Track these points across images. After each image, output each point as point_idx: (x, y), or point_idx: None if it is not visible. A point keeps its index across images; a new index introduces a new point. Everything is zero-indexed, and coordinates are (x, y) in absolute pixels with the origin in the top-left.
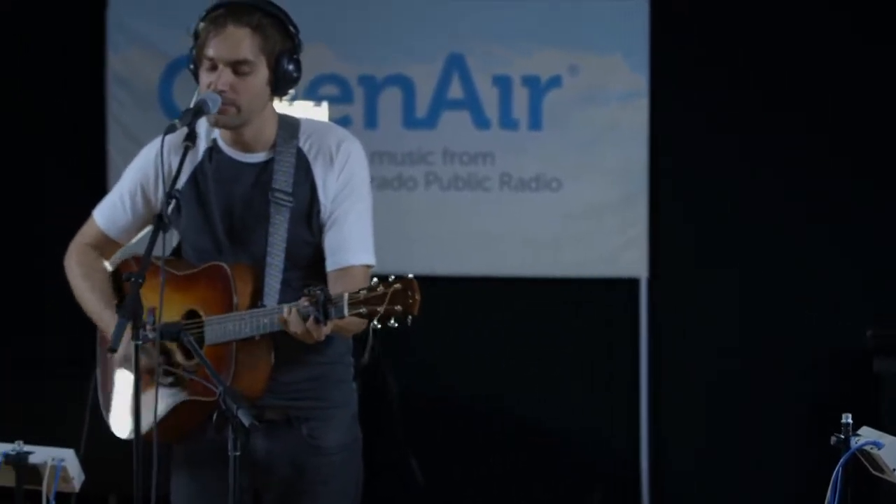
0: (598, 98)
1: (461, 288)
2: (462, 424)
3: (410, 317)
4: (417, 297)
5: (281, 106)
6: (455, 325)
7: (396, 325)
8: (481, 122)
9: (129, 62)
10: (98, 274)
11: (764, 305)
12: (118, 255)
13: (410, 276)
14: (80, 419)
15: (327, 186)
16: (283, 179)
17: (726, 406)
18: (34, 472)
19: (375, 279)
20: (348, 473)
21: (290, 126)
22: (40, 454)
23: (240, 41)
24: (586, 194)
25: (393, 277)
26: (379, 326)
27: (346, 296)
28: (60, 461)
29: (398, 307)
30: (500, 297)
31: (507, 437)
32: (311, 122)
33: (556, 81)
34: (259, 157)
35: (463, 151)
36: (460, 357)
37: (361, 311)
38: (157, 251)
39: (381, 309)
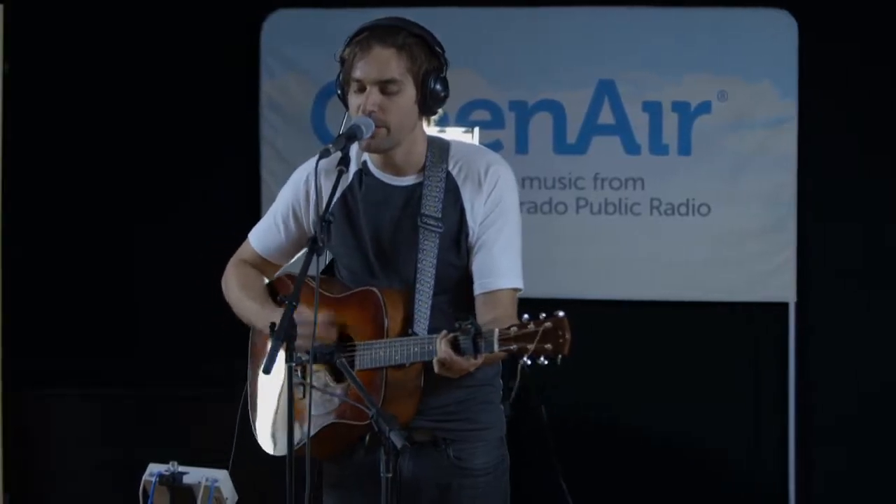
0: (747, 123)
1: (611, 311)
2: (611, 447)
3: (560, 356)
4: (568, 336)
5: (431, 130)
6: (604, 348)
7: (546, 363)
8: (631, 147)
9: (283, 87)
10: (256, 284)
11: None
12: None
13: (561, 314)
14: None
15: (475, 210)
16: (432, 204)
17: (876, 431)
18: (188, 493)
19: (526, 316)
20: (495, 495)
21: (440, 149)
22: (194, 475)
23: (386, 61)
24: (735, 219)
25: (544, 315)
26: (529, 363)
27: (496, 332)
28: (214, 482)
29: (548, 346)
30: (650, 321)
31: (655, 460)
32: (461, 144)
33: (705, 107)
34: (408, 180)
35: (613, 177)
36: (609, 380)
37: (511, 347)
38: (311, 273)
39: (530, 347)
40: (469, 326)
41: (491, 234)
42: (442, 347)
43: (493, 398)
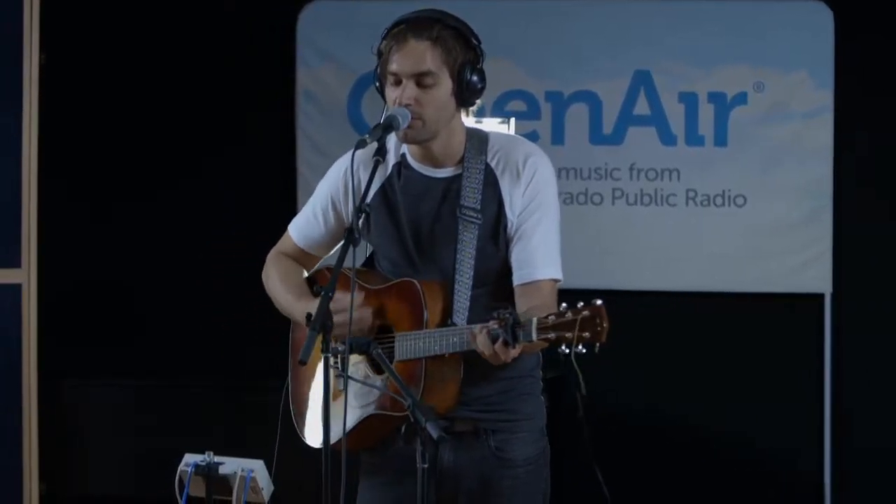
0: (783, 114)
1: (646, 302)
2: (647, 438)
3: (598, 344)
4: (606, 324)
5: (469, 121)
6: (639, 339)
7: (584, 351)
8: (667, 138)
9: (319, 78)
10: (295, 276)
11: None
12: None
13: (599, 302)
14: (272, 430)
15: (514, 201)
16: (470, 196)
17: None
18: (224, 483)
19: (564, 304)
20: (535, 486)
21: (478, 140)
22: (230, 465)
23: (422, 54)
24: (771, 210)
25: (581, 304)
26: (567, 352)
27: (534, 321)
28: (250, 472)
29: (586, 334)
30: (684, 311)
31: (691, 451)
32: (499, 135)
33: (741, 98)
34: (447, 172)
35: (649, 167)
36: (643, 370)
37: (550, 336)
38: (348, 264)
39: (568, 335)
40: (507, 316)
41: (529, 226)
42: (480, 340)
43: (533, 389)
